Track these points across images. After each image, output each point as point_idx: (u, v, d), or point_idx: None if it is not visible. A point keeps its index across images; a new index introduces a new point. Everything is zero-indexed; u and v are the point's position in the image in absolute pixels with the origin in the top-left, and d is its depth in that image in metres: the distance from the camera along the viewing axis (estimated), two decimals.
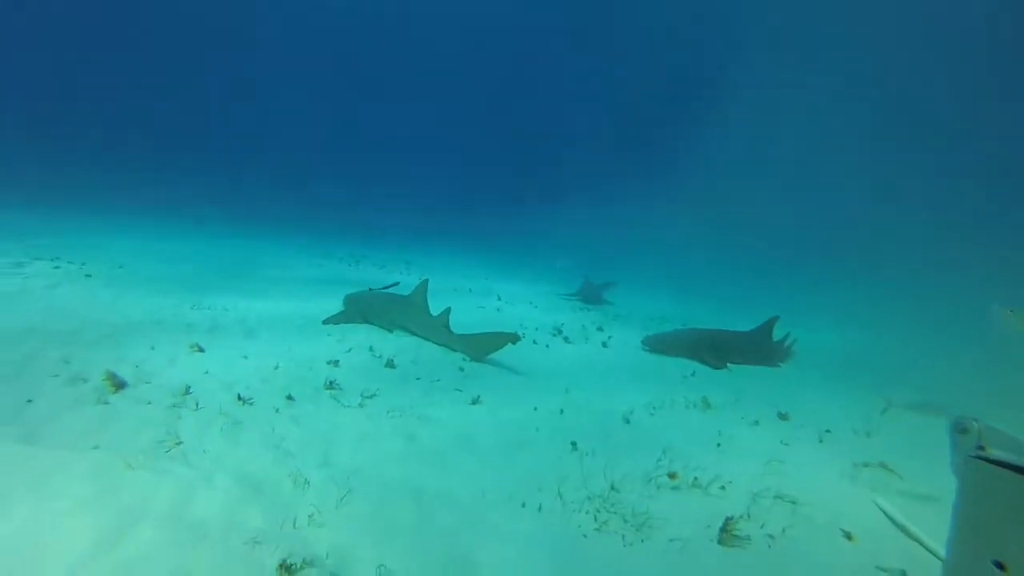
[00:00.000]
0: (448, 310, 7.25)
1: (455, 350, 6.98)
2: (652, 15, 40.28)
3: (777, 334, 8.63)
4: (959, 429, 1.86)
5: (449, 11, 48.91)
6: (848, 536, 3.39)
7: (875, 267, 19.19)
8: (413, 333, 7.48)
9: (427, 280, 7.79)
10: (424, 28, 50.99)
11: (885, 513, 3.63)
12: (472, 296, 11.79)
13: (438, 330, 7.20)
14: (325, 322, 7.60)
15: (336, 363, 5.85)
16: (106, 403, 4.23)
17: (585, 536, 3.18)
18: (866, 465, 4.48)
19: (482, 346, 6.79)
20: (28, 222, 14.16)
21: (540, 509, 3.43)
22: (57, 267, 8.90)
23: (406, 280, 11.84)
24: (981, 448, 1.70)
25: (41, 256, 9.53)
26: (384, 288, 8.85)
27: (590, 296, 13.08)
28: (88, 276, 8.60)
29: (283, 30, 50.55)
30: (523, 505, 3.46)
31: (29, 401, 4.09)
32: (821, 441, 5.16)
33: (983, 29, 24.23)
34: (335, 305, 8.42)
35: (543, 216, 32.34)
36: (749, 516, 3.51)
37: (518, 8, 46.55)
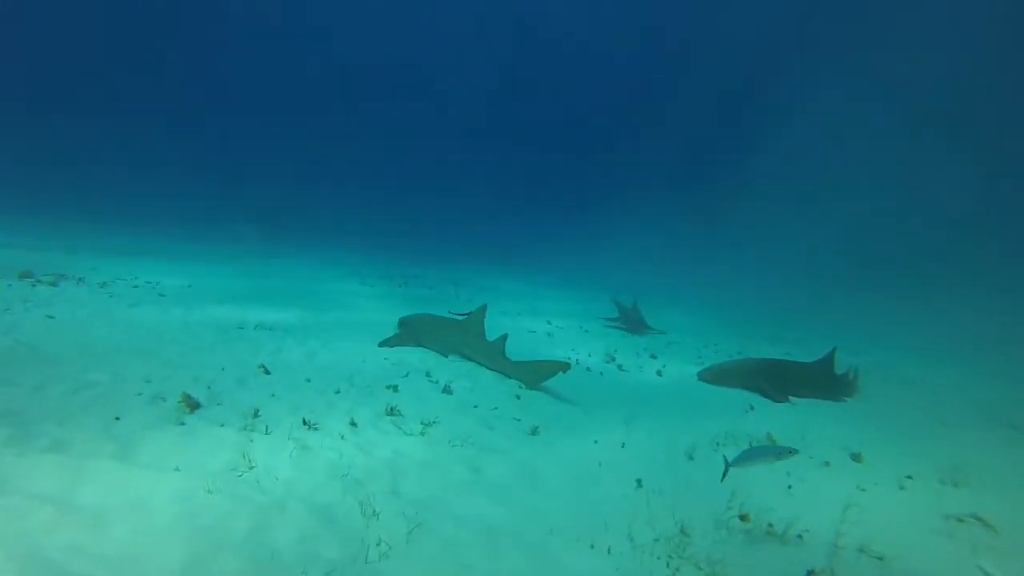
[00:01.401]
0: (505, 336, 7.27)
1: (510, 377, 6.97)
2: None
3: (840, 367, 8.21)
4: None
5: (498, 25, 50.34)
6: None
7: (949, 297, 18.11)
8: (468, 358, 7.52)
9: (485, 306, 7.84)
10: (473, 40, 52.49)
11: None
12: (522, 319, 11.80)
13: (494, 356, 7.22)
14: (381, 345, 7.75)
15: (395, 388, 5.93)
16: (183, 424, 4.42)
17: None
18: (960, 520, 4.16)
19: (535, 373, 6.77)
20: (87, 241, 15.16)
21: (610, 551, 3.34)
22: (136, 287, 9.47)
23: (459, 305, 11.98)
24: None
25: (121, 276, 10.17)
26: (459, 315, 8.93)
27: (633, 324, 12.42)
28: (161, 296, 9.10)
29: (318, 44, 52.83)
30: (592, 546, 3.37)
31: (117, 419, 4.31)
32: (903, 488, 4.83)
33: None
34: (390, 327, 8.57)
35: (592, 238, 32.11)
36: (833, 571, 3.30)
37: (573, 18, 47.44)
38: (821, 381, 8.02)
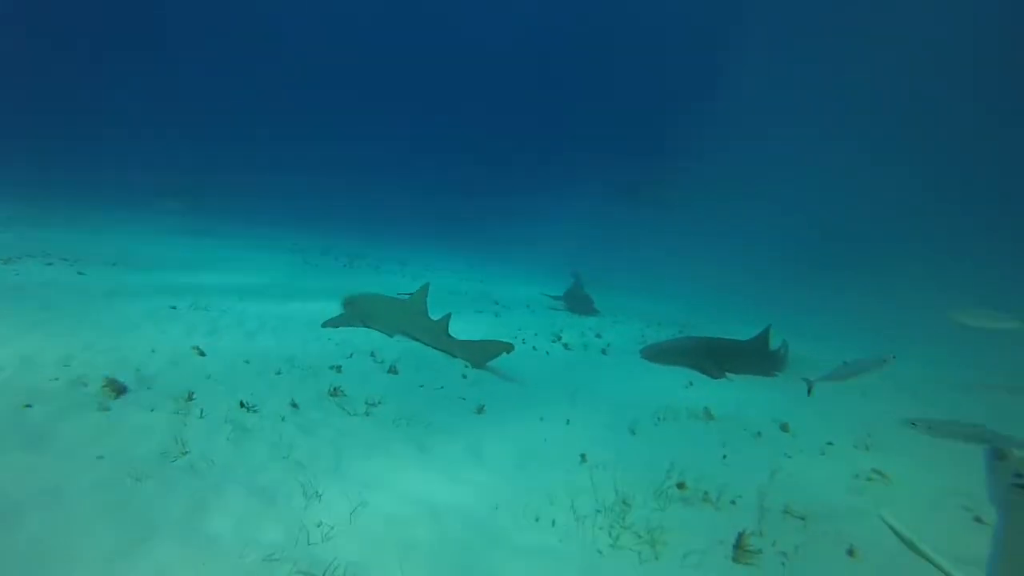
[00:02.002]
0: (448, 315, 7.23)
1: (455, 356, 6.96)
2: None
3: (772, 343, 8.69)
4: (997, 456, 1.88)
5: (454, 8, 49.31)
6: (850, 553, 3.42)
7: (868, 273, 19.40)
8: (414, 338, 7.44)
9: (428, 284, 7.75)
10: (425, 23, 51.16)
11: (892, 529, 3.67)
12: (469, 299, 11.76)
13: (438, 335, 7.18)
14: (324, 325, 7.53)
15: (339, 368, 5.79)
16: (107, 409, 4.14)
17: (600, 552, 3.18)
18: (868, 479, 4.54)
19: (480, 353, 6.78)
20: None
21: (554, 524, 3.42)
22: (49, 264, 8.72)
23: (404, 284, 11.78)
24: (1020, 476, 1.72)
25: (32, 252, 9.32)
26: (407, 295, 8.69)
27: (578, 304, 12.26)
28: (81, 274, 8.43)
29: (276, 21, 50.05)
30: (537, 520, 3.44)
31: (27, 406, 3.99)
32: (823, 454, 5.20)
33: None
34: (333, 307, 8.33)
35: (536, 214, 32.02)
36: (761, 532, 3.52)
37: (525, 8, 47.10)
38: (755, 358, 8.46)
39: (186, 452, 3.65)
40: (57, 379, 4.52)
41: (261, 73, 51.23)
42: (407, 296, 8.45)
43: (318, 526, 3.01)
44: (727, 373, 7.96)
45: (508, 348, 6.65)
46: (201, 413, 4.24)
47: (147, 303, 7.34)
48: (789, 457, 5.03)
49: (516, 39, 50.26)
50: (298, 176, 36.84)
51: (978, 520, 3.95)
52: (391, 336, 7.46)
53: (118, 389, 4.44)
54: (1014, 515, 1.77)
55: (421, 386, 5.73)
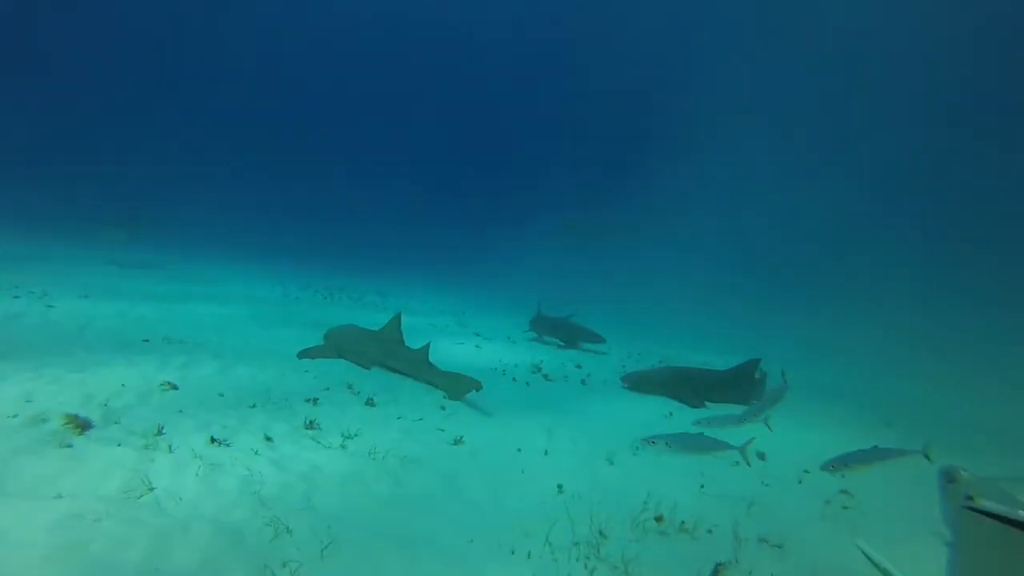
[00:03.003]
0: (428, 344, 7.21)
1: (435, 385, 6.91)
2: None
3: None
4: (948, 478, 1.93)
5: (419, 41, 50.55)
6: None
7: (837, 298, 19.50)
8: (392, 369, 7.37)
9: (399, 314, 7.72)
10: (390, 52, 52.28)
11: (868, 557, 3.69)
12: (450, 331, 11.73)
13: (419, 365, 7.13)
14: (300, 355, 7.43)
15: (315, 401, 5.71)
16: (69, 446, 4.01)
17: None
18: (844, 507, 4.58)
19: (457, 385, 6.73)
20: None
21: (529, 556, 3.37)
22: (17, 297, 8.52)
23: (386, 316, 11.72)
24: (970, 498, 1.78)
25: None
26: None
27: (568, 337, 11.74)
28: (50, 307, 8.25)
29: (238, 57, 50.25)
30: (512, 552, 3.39)
31: None
32: (800, 482, 5.24)
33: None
34: (313, 339, 8.24)
35: (513, 244, 31.83)
36: (737, 562, 3.51)
37: (497, 32, 48.45)
38: (736, 387, 8.53)
39: (152, 488, 3.54)
40: (16, 416, 4.36)
41: (235, 97, 50.89)
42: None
43: (283, 565, 2.92)
44: (706, 402, 8.01)
45: (477, 386, 6.57)
46: (170, 448, 4.13)
47: (119, 336, 7.19)
48: (766, 485, 5.05)
49: (487, 54, 51.22)
50: (278, 208, 36.67)
51: (949, 545, 4.00)
52: (368, 369, 7.37)
53: (82, 425, 4.31)
54: (964, 537, 1.82)
55: (399, 418, 5.66)
